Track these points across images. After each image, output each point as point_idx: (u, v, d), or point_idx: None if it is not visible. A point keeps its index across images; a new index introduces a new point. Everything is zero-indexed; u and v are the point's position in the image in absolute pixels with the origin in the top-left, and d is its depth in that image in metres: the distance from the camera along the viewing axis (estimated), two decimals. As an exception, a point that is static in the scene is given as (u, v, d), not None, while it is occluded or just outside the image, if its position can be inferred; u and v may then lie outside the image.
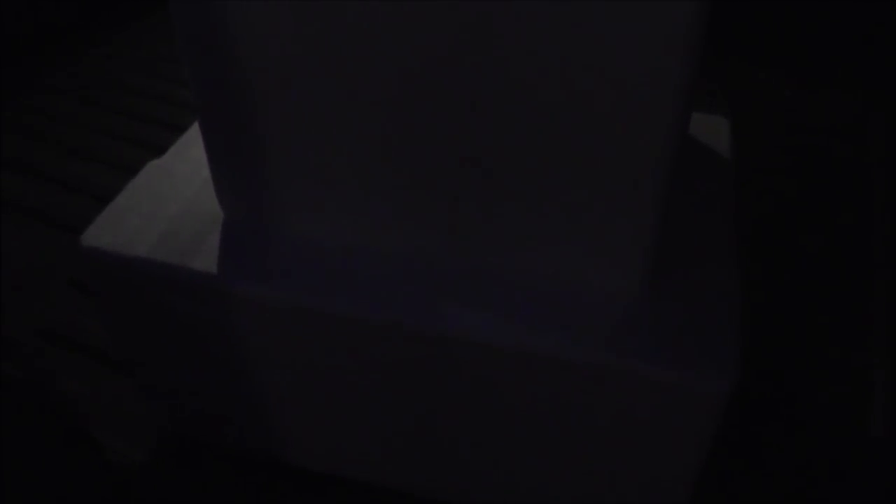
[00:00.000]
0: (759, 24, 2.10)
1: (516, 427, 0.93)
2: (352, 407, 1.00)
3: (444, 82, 0.77)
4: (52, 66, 2.16)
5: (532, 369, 0.86)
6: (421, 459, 1.04)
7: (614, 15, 0.68)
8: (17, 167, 1.77)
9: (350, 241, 0.94)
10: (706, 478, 0.97)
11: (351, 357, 0.92)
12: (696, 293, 0.89)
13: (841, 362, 1.32)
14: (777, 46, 2.11)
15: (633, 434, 0.89)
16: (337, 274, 0.91)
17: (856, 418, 1.23)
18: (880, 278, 1.46)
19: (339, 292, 0.89)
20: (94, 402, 1.23)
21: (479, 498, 1.07)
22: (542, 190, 0.82)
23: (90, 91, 2.07)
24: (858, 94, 1.94)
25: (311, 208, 0.93)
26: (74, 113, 1.98)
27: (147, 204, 1.02)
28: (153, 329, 1.02)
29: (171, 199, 1.02)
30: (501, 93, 0.76)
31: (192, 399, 1.11)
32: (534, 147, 0.79)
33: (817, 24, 2.04)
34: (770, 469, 1.16)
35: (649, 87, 0.71)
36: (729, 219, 1.01)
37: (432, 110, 0.80)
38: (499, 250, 0.89)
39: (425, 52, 0.75)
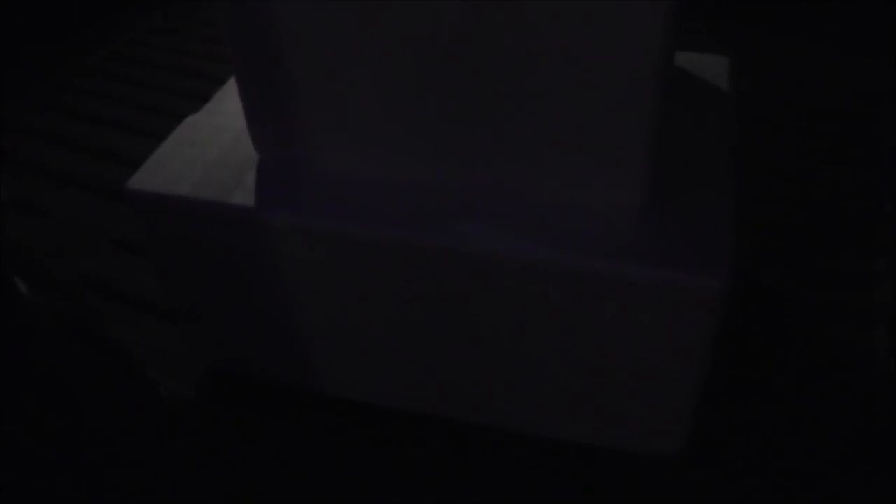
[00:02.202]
0: None
1: (524, 339, 1.01)
2: (378, 329, 1.07)
3: (457, 27, 0.85)
4: (83, 48, 2.25)
5: (538, 279, 0.93)
6: (438, 379, 1.12)
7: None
8: (53, 138, 1.87)
9: (374, 170, 1.01)
10: (709, 397, 1.03)
11: (377, 278, 1.00)
12: (692, 207, 0.96)
13: (846, 296, 1.37)
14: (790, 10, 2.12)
15: (634, 342, 0.96)
16: (362, 201, 0.99)
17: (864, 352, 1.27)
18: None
19: (364, 217, 0.97)
20: (143, 346, 1.32)
21: (491, 417, 1.15)
22: (545, 112, 0.89)
23: (121, 68, 2.16)
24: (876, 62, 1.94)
25: (338, 142, 1.01)
26: (107, 89, 2.08)
27: (187, 152, 1.10)
28: (197, 266, 1.10)
29: (209, 146, 1.10)
30: (506, 28, 0.84)
31: (234, 334, 1.19)
32: (536, 71, 0.86)
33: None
34: (772, 389, 1.21)
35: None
36: (728, 144, 1.07)
37: (448, 46, 0.87)
38: (507, 170, 0.97)
39: (440, 22, 0.85)
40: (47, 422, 1.17)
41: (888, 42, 1.92)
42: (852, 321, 1.32)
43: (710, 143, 1.07)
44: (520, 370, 1.06)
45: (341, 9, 0.88)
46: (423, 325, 1.05)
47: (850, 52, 2.01)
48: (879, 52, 1.94)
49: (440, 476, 1.11)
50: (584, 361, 1.01)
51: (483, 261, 0.94)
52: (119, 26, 2.36)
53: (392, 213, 0.97)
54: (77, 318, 1.39)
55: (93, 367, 1.28)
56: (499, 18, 0.83)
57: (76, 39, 2.26)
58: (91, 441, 1.18)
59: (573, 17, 0.81)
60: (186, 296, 1.18)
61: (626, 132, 0.89)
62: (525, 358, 1.04)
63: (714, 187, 0.99)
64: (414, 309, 1.03)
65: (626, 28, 0.80)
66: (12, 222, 1.62)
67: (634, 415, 1.07)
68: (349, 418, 1.19)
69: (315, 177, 1.03)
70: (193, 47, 2.26)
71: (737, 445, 1.14)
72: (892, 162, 1.65)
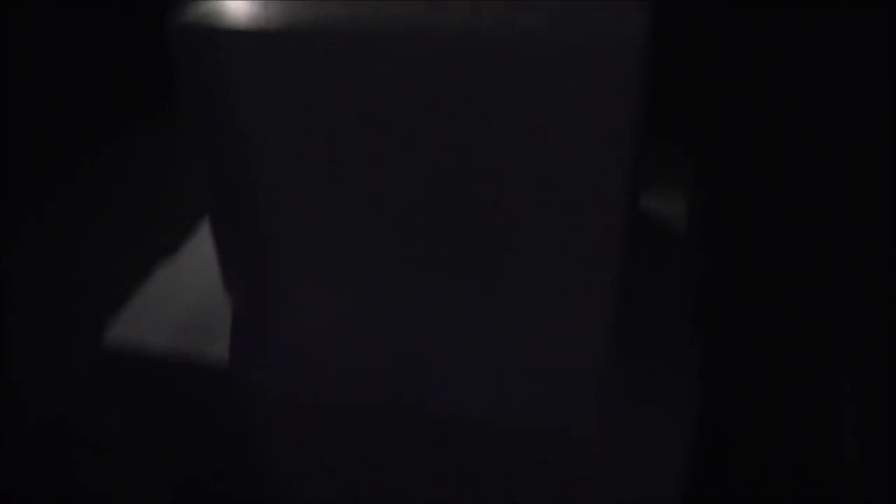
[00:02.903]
0: (729, 91, 2.20)
1: (487, 495, 1.02)
2: (346, 476, 1.08)
3: (428, 192, 0.90)
4: (62, 175, 2.27)
5: (505, 438, 0.95)
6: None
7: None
8: (21, 272, 1.88)
9: (345, 327, 1.03)
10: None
11: (346, 433, 1.01)
12: (656, 359, 0.98)
13: (811, 404, 1.39)
14: (749, 113, 2.20)
15: (605, 491, 0.97)
16: (333, 359, 1.01)
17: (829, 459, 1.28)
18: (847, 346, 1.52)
19: (335, 377, 0.99)
20: (95, 494, 1.30)
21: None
22: (513, 270, 0.93)
23: (98, 195, 2.19)
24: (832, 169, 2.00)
25: (312, 299, 1.03)
26: (84, 217, 2.09)
27: (162, 302, 1.12)
28: (168, 413, 1.11)
29: (183, 295, 1.12)
30: (475, 195, 0.88)
31: (199, 482, 1.19)
32: (503, 242, 0.91)
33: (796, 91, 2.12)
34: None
35: (595, 193, 0.84)
36: (689, 289, 1.10)
37: (420, 209, 0.92)
38: (477, 331, 0.99)
39: (411, 184, 0.90)
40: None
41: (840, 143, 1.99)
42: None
43: (670, 287, 1.10)
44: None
45: (315, 170, 0.92)
46: (393, 478, 1.05)
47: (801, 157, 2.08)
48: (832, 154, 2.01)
49: None
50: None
51: (448, 421, 0.96)
52: (98, 144, 2.40)
53: (361, 372, 0.99)
54: (38, 461, 1.37)
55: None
56: (469, 187, 0.88)
57: (43, 170, 2.30)
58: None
59: (540, 184, 0.85)
60: (155, 441, 1.17)
61: (591, 289, 0.92)
62: None
63: (678, 334, 1.02)
64: (382, 461, 1.03)
65: (590, 192, 0.84)
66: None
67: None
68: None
69: (288, 329, 1.05)
70: (167, 176, 2.29)
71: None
72: (846, 262, 1.69)
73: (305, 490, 1.12)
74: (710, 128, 2.18)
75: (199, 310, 1.09)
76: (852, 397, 1.36)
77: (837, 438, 1.31)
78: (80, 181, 2.28)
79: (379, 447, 1.01)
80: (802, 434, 1.32)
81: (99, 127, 2.50)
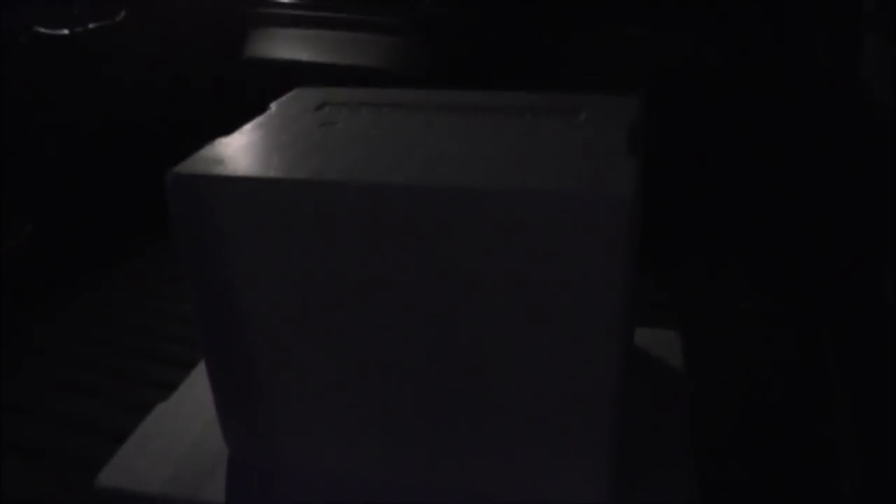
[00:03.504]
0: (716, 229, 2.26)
1: None
2: None
3: (423, 343, 0.95)
4: (53, 307, 2.30)
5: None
6: None
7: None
8: (20, 409, 1.87)
9: (345, 474, 1.05)
10: None
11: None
12: (655, 499, 1.01)
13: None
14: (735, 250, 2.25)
15: None
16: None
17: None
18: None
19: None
20: None
21: None
22: (508, 418, 0.97)
23: (92, 331, 2.21)
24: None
25: (311, 448, 1.06)
26: (78, 352, 2.11)
27: (157, 444, 1.13)
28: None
29: (179, 438, 1.14)
30: (469, 346, 0.93)
31: None
32: (498, 388, 0.95)
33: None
34: None
35: (591, 341, 0.88)
36: (684, 429, 1.13)
37: (414, 359, 0.96)
38: (474, 478, 1.02)
39: (407, 334, 0.95)
40: None
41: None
42: None
43: (666, 427, 1.14)
44: None
45: (310, 319, 0.97)
46: None
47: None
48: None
49: None
50: None
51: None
52: (87, 284, 2.43)
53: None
54: None
55: None
56: (465, 339, 0.93)
57: (38, 301, 2.32)
58: None
59: (535, 336, 0.90)
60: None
61: (588, 435, 0.95)
62: None
63: (675, 479, 1.04)
64: None
65: (586, 341, 0.89)
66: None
67: None
68: None
69: (285, 476, 1.07)
70: (162, 306, 2.32)
71: None
72: (840, 399, 1.71)
73: None
74: (696, 260, 2.24)
75: (194, 453, 1.11)
76: None
77: None
78: (73, 318, 2.30)
79: None
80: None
81: (94, 264, 2.54)
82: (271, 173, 0.91)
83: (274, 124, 1.09)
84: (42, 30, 2.07)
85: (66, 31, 2.15)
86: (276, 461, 1.08)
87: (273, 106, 1.18)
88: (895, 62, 1.61)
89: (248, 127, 1.08)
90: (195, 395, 1.23)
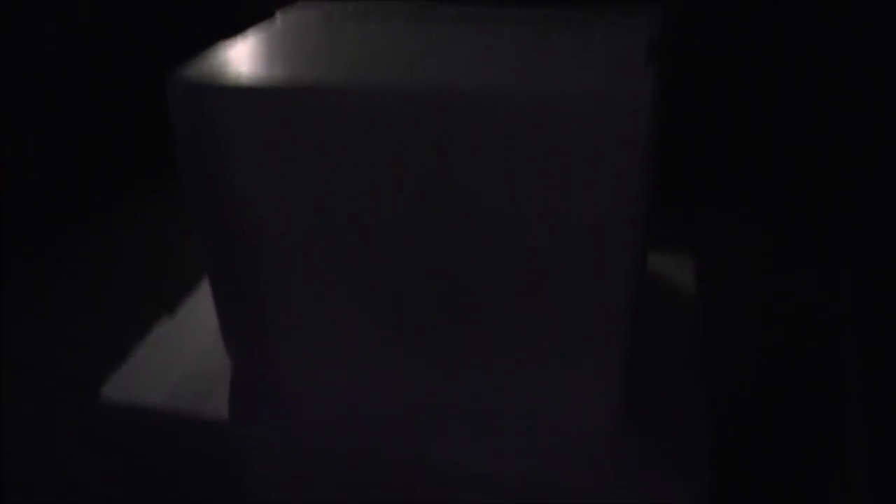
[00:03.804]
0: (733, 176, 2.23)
1: None
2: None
3: (429, 254, 0.92)
4: (72, 229, 2.30)
5: (510, 491, 0.95)
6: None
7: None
8: (25, 324, 1.88)
9: (346, 384, 1.04)
10: None
11: (346, 489, 1.01)
12: (665, 425, 0.99)
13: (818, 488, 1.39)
14: (752, 198, 2.22)
15: None
16: (334, 414, 1.01)
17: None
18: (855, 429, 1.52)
19: (334, 433, 0.99)
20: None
21: None
22: (519, 327, 0.94)
23: (101, 251, 2.20)
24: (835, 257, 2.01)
25: (312, 352, 1.05)
26: (84, 271, 2.11)
27: (161, 359, 1.12)
28: (168, 472, 1.10)
29: (182, 353, 1.13)
30: (480, 259, 0.91)
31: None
32: (509, 301, 0.92)
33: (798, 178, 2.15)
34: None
35: (605, 253, 0.86)
36: (695, 353, 1.12)
37: (423, 271, 0.94)
38: (482, 385, 1.00)
39: (412, 243, 0.91)
40: None
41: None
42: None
43: (678, 349, 1.12)
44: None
45: (313, 229, 0.94)
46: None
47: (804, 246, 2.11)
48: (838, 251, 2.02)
49: None
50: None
51: (456, 475, 0.96)
52: (99, 210, 2.42)
53: (362, 426, 1.00)
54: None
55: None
56: (473, 247, 0.90)
57: (48, 226, 2.32)
58: None
59: (547, 244, 0.87)
60: (154, 500, 1.16)
61: (600, 347, 0.93)
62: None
63: (685, 400, 1.03)
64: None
65: (598, 251, 0.86)
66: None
67: None
68: None
69: (289, 387, 1.06)
70: (168, 243, 2.32)
71: None
72: (854, 361, 1.70)
73: None
74: (709, 199, 2.22)
75: (197, 368, 1.10)
76: (859, 464, 1.36)
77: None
78: (81, 248, 2.30)
79: (378, 496, 1.01)
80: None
81: (103, 195, 2.53)
82: (276, 80, 0.88)
83: (279, 31, 1.05)
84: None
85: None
86: (279, 377, 1.07)
87: (278, 14, 1.14)
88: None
89: (251, 33, 1.05)
90: (198, 312, 1.22)
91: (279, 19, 1.12)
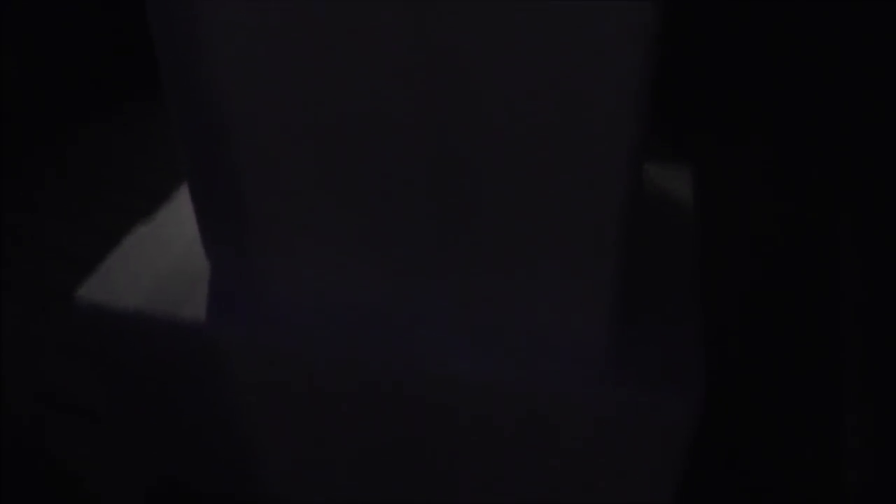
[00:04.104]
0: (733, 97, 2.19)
1: (491, 458, 0.99)
2: (333, 444, 1.05)
3: (420, 141, 0.86)
4: (47, 143, 2.24)
5: (505, 400, 0.93)
6: (401, 496, 1.09)
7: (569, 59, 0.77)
8: (4, 237, 1.84)
9: (330, 287, 1.01)
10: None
11: (329, 396, 0.99)
12: (662, 329, 0.97)
13: (812, 410, 1.39)
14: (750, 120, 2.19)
15: (606, 462, 0.95)
16: (317, 319, 0.98)
17: (830, 465, 1.28)
18: (849, 325, 1.52)
19: (318, 336, 0.96)
20: (86, 461, 1.27)
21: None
22: (512, 227, 0.90)
23: (79, 163, 2.15)
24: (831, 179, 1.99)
25: (293, 253, 1.01)
26: (64, 183, 2.06)
27: (138, 261, 1.09)
28: (145, 377, 1.08)
29: (160, 256, 1.10)
30: (471, 145, 0.85)
31: (183, 446, 1.16)
32: (503, 201, 0.88)
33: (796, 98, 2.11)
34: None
35: (602, 142, 0.81)
36: (693, 256, 1.09)
37: (412, 159, 0.89)
38: (473, 298, 0.97)
39: (397, 106, 0.85)
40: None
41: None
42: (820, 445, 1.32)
43: (675, 255, 1.09)
44: (482, 490, 1.04)
45: (294, 120, 0.89)
46: (380, 444, 1.03)
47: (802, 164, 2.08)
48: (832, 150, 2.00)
49: None
50: (552, 482, 1.00)
51: (445, 382, 0.93)
52: (76, 121, 2.36)
53: (346, 331, 0.97)
54: (20, 430, 1.34)
55: (34, 485, 1.23)
56: (465, 134, 0.85)
57: (26, 137, 2.26)
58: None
59: (542, 134, 0.82)
60: (132, 406, 1.14)
61: (595, 252, 0.90)
62: (488, 478, 1.02)
63: (682, 306, 1.00)
64: (371, 427, 1.01)
65: (597, 146, 0.81)
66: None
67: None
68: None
69: (269, 290, 1.03)
70: (151, 141, 2.27)
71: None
72: (848, 264, 1.69)
73: (285, 450, 1.09)
74: (709, 127, 2.18)
75: (174, 270, 1.07)
76: (853, 402, 1.36)
77: (838, 441, 1.31)
78: (63, 158, 2.25)
79: (364, 408, 0.99)
80: (801, 438, 1.32)
81: (82, 107, 2.46)
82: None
83: None
84: None
85: None
86: (260, 280, 1.04)
87: None
88: None
89: None
90: (177, 216, 1.18)
91: None
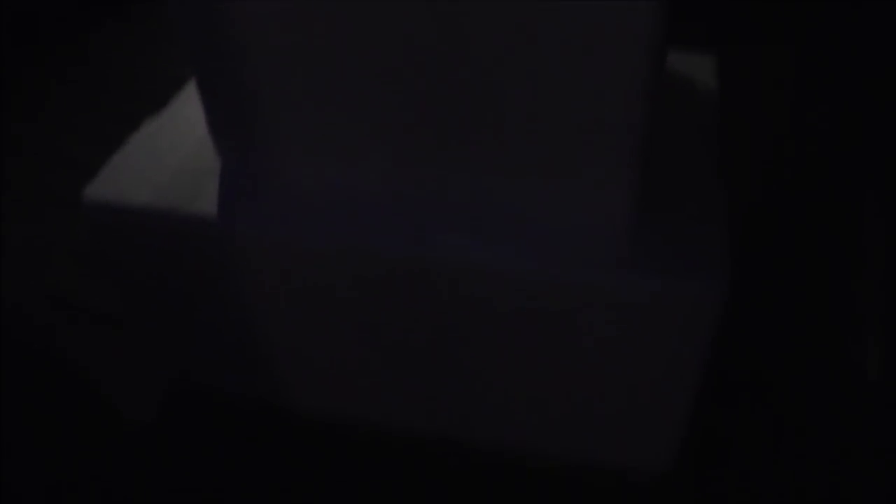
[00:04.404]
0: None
1: (509, 353, 0.96)
2: (350, 342, 1.02)
3: (430, 34, 0.79)
4: (49, 52, 2.18)
5: (525, 291, 0.88)
6: (418, 394, 1.06)
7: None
8: (7, 144, 1.80)
9: (343, 181, 0.96)
10: (700, 415, 0.98)
11: (346, 290, 0.95)
12: (684, 214, 0.91)
13: (835, 304, 1.34)
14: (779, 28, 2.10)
15: (627, 353, 0.91)
16: (329, 212, 0.93)
17: (853, 360, 1.24)
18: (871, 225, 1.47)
19: (332, 227, 0.91)
20: (101, 365, 1.25)
21: (474, 434, 1.10)
22: (529, 116, 0.84)
23: (82, 71, 2.09)
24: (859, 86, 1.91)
25: (304, 149, 0.95)
26: (68, 92, 2.01)
27: (146, 158, 1.04)
28: (156, 276, 1.04)
29: (169, 153, 1.04)
30: (486, 39, 0.78)
31: (198, 348, 1.13)
32: (520, 84, 0.81)
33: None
34: (767, 414, 1.17)
35: (622, 31, 0.74)
36: (713, 144, 1.03)
37: (422, 52, 0.82)
38: (489, 183, 0.91)
39: (410, 22, 0.79)
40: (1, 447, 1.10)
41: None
42: (839, 328, 1.28)
43: (696, 145, 1.03)
44: (505, 385, 1.01)
45: (307, 17, 0.82)
46: (400, 340, 0.99)
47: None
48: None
49: (420, 499, 1.06)
50: (573, 375, 0.96)
51: (464, 272, 0.88)
52: (77, 29, 2.29)
53: (360, 222, 0.92)
54: (33, 336, 1.32)
55: (48, 389, 1.21)
56: (478, 24, 0.78)
57: (29, 45, 2.19)
58: (47, 470, 1.11)
59: (560, 20, 0.75)
60: (145, 307, 1.11)
61: (615, 136, 0.83)
62: (511, 372, 0.99)
63: (704, 192, 0.95)
64: (390, 323, 0.97)
65: (617, 32, 0.75)
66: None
67: (624, 431, 1.02)
68: (323, 440, 1.13)
69: (280, 185, 0.97)
70: (153, 48, 2.19)
71: (726, 464, 1.10)
72: (874, 157, 1.63)
73: (301, 348, 1.06)
74: (732, 36, 2.10)
75: (184, 166, 1.01)
76: (871, 292, 1.32)
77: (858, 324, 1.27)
78: (69, 68, 2.19)
79: (380, 302, 0.95)
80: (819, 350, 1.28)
81: (84, 15, 2.39)
82: None
83: None
84: None
85: None
86: (271, 173, 0.98)
87: None
88: None
89: None
90: (186, 112, 1.12)
91: None
